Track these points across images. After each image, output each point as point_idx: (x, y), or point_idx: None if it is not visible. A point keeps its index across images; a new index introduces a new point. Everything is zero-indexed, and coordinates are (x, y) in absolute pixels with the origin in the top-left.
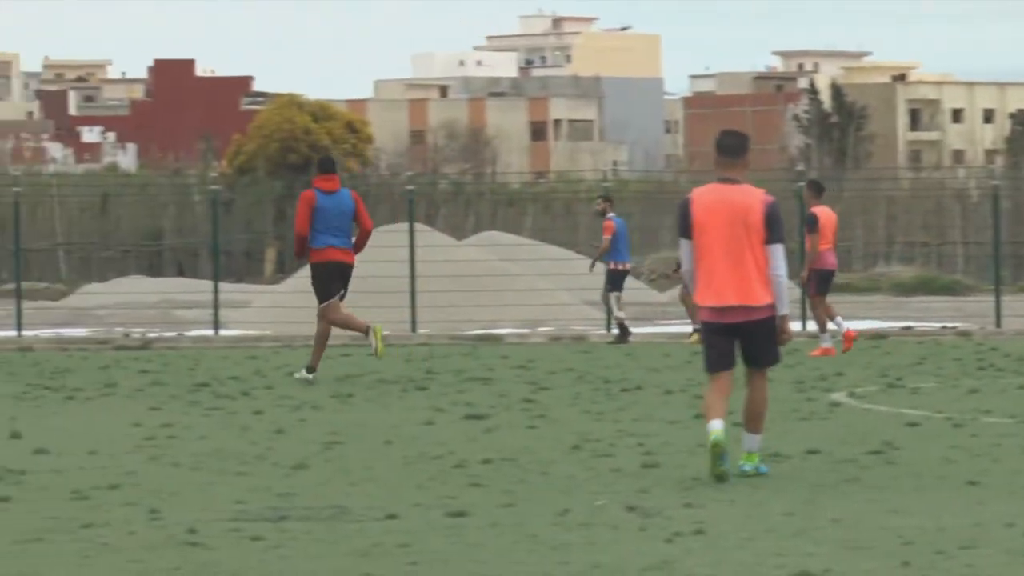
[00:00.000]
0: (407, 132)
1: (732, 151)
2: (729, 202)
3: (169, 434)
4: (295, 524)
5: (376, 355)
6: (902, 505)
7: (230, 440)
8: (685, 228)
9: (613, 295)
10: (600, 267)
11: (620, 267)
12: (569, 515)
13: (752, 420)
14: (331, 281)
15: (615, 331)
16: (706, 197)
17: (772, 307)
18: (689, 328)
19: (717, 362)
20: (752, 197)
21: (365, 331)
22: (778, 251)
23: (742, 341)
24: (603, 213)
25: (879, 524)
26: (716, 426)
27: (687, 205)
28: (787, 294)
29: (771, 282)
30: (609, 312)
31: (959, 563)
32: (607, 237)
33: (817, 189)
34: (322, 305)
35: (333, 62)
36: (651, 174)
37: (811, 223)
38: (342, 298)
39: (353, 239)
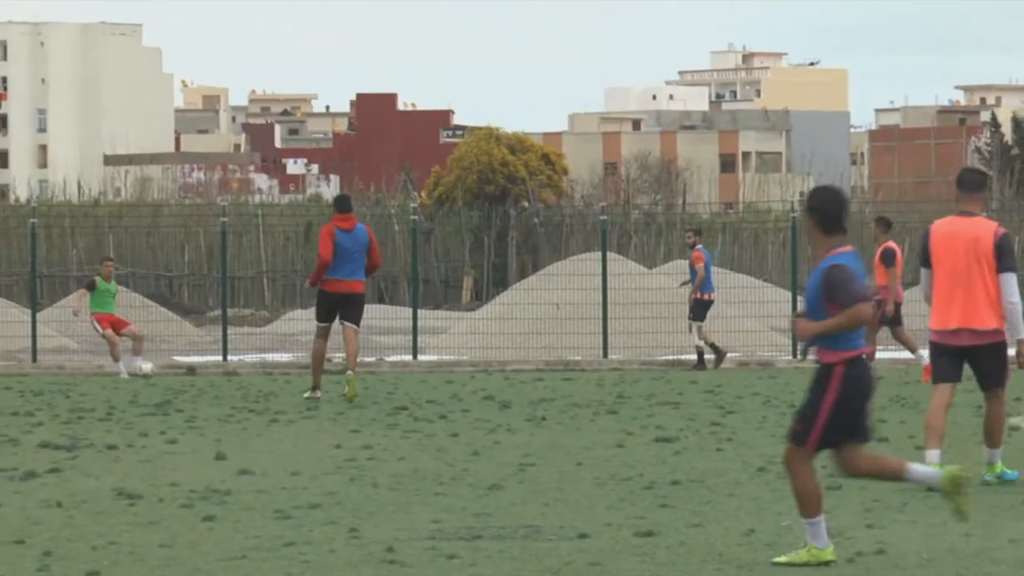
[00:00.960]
0: (601, 164)
1: (972, 186)
2: (963, 233)
3: (368, 456)
4: (489, 543)
5: (347, 398)
6: None
7: (427, 461)
8: (924, 258)
9: (695, 324)
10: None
11: (705, 297)
12: (755, 535)
13: (990, 435)
14: (332, 308)
15: (708, 357)
16: (943, 229)
17: (999, 332)
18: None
19: (940, 375)
20: (985, 229)
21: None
22: (1009, 279)
23: (971, 363)
24: (692, 246)
25: None
26: (933, 457)
27: (926, 237)
28: (1020, 320)
29: (1003, 309)
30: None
31: None
32: (700, 266)
33: (886, 225)
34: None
35: (530, 96)
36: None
37: (889, 258)
38: (356, 322)
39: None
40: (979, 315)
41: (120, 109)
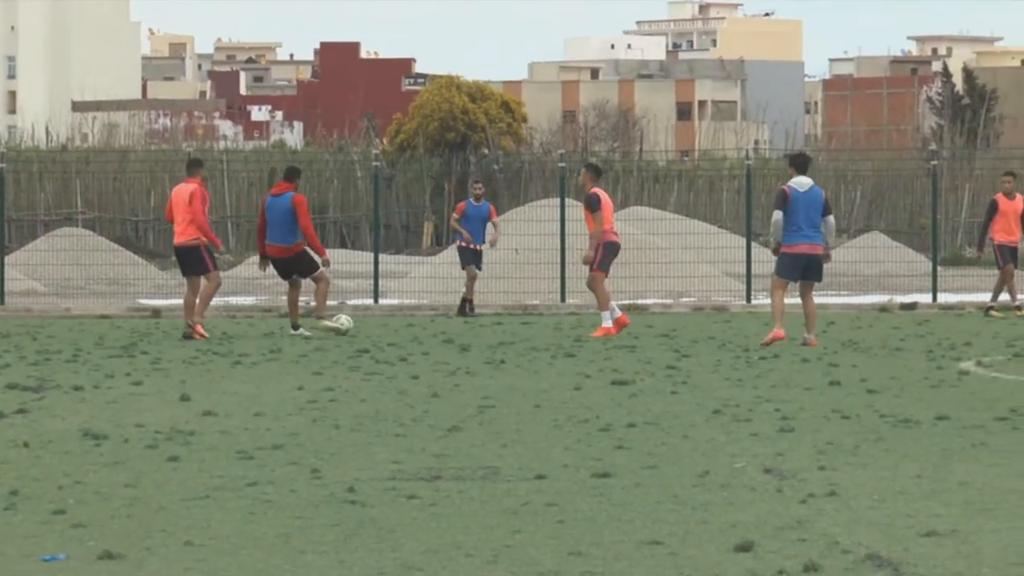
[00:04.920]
0: (560, 112)
1: None
2: None
3: (331, 397)
4: (449, 484)
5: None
6: None
7: (388, 403)
8: None
9: None
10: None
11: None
12: (709, 477)
13: None
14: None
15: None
16: None
17: None
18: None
19: None
20: None
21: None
22: None
23: None
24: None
25: (1005, 487)
26: None
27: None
28: None
29: None
30: None
31: None
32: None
33: (595, 172)
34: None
35: (490, 46)
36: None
37: (594, 203)
38: (294, 280)
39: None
40: None
41: (88, 57)
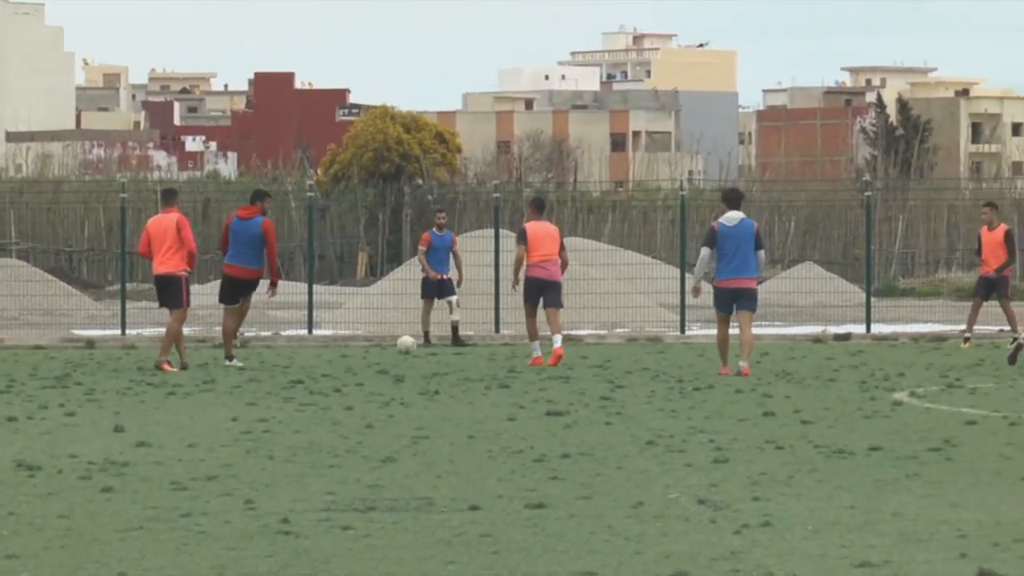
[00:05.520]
0: (494, 142)
1: None
2: None
3: (264, 428)
4: (383, 514)
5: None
6: (960, 499)
7: (322, 434)
8: None
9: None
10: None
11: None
12: (643, 507)
13: None
14: (229, 291)
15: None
16: None
17: None
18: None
19: None
20: None
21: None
22: None
23: None
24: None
25: (938, 518)
26: None
27: None
28: None
29: None
30: None
31: (1014, 555)
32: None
33: (534, 206)
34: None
35: (425, 76)
36: (725, 183)
37: (519, 237)
38: (241, 305)
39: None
40: None
41: (22, 87)
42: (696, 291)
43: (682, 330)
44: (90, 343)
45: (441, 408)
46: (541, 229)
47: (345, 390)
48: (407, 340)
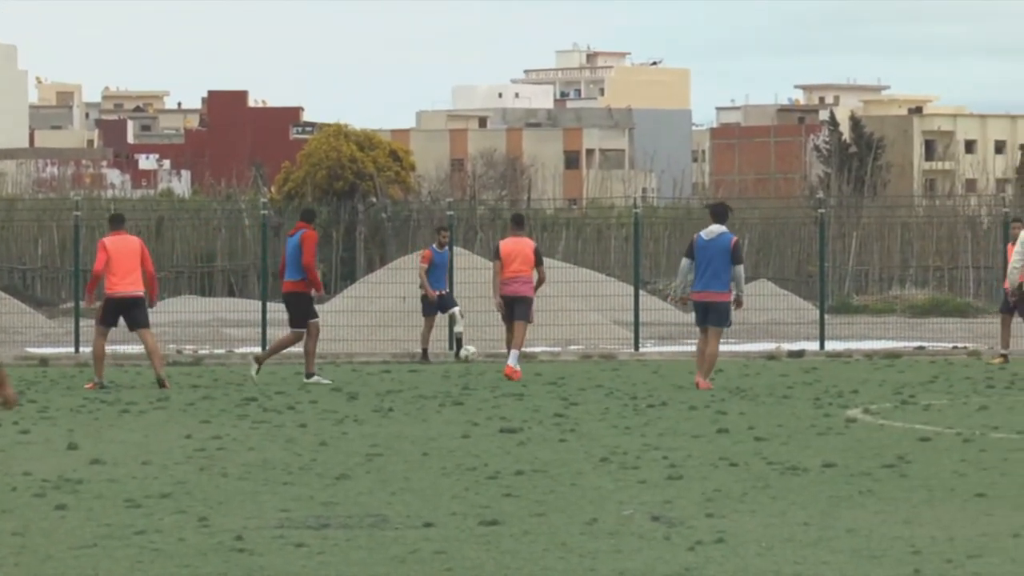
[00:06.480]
0: (448, 160)
1: None
2: None
3: (218, 446)
4: (337, 532)
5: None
6: (914, 516)
7: (276, 451)
8: None
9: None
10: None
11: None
12: (597, 524)
13: None
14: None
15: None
16: None
17: None
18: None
19: None
20: None
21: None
22: None
23: None
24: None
25: (892, 534)
26: None
27: None
28: None
29: None
30: None
31: (967, 571)
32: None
33: (513, 222)
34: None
35: (378, 94)
36: (678, 201)
37: (494, 254)
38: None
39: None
40: None
41: None
42: (679, 300)
43: (636, 347)
44: (44, 361)
45: (395, 425)
46: (515, 246)
47: (299, 407)
48: (470, 348)
